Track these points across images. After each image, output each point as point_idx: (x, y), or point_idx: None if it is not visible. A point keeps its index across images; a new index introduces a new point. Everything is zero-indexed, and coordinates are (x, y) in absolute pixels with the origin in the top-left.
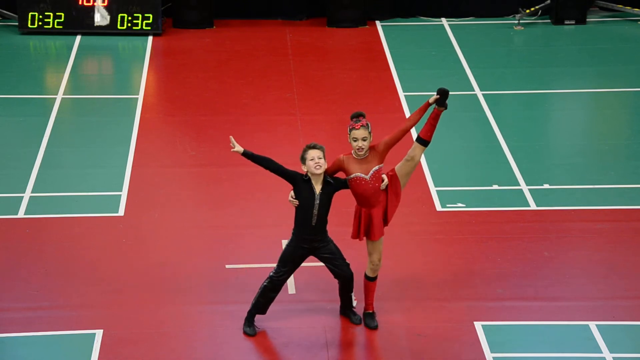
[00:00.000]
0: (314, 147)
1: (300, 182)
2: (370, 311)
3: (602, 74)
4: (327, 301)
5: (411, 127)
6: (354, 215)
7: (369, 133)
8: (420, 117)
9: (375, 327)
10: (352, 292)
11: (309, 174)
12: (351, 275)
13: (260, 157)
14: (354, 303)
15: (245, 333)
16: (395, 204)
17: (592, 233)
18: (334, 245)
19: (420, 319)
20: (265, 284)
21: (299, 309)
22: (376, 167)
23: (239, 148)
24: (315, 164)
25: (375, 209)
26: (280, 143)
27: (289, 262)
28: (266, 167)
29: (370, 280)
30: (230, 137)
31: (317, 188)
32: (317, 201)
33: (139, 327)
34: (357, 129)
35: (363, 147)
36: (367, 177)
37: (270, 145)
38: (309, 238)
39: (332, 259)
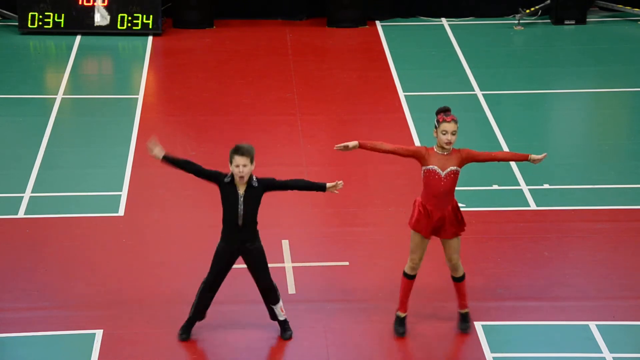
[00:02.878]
0: (241, 153)
1: (222, 183)
2: (464, 311)
3: (602, 74)
4: (327, 301)
5: (500, 160)
6: (414, 205)
7: (457, 130)
8: (512, 160)
9: (465, 330)
10: (274, 304)
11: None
12: (269, 286)
13: (179, 160)
14: (281, 317)
15: (180, 339)
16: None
17: (592, 233)
18: (262, 252)
19: (420, 318)
20: (201, 288)
21: (299, 309)
22: (454, 168)
23: (158, 152)
24: (239, 172)
25: (436, 211)
26: (280, 143)
27: (219, 264)
28: (187, 170)
29: (456, 281)
30: (152, 140)
31: (241, 190)
32: (241, 204)
33: (139, 327)
34: (448, 121)
35: (451, 141)
36: (443, 173)
37: (270, 145)
38: (237, 238)
39: (254, 265)
